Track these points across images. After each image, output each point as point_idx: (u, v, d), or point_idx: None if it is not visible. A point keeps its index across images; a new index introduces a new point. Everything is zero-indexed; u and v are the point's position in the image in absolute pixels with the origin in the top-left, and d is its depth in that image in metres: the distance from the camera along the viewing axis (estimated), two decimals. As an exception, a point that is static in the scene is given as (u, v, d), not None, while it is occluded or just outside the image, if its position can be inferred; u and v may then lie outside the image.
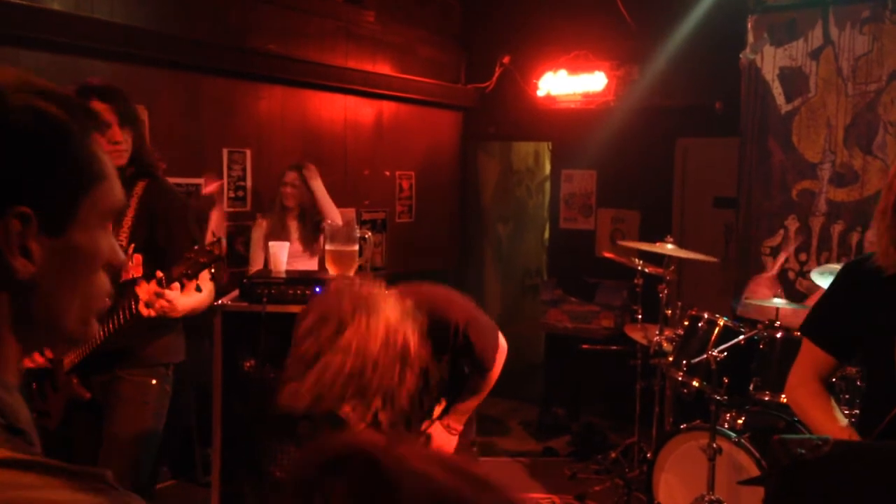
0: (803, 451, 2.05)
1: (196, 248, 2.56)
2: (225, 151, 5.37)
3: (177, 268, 2.56)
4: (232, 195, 5.42)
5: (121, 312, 2.75)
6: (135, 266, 2.89)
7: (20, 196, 0.81)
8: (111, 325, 2.78)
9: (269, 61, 5.51)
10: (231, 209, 5.39)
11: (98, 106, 2.77)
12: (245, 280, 4.16)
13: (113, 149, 2.80)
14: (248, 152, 5.48)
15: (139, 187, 2.90)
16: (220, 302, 4.27)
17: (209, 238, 2.68)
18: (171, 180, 4.90)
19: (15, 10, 4.08)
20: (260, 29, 5.47)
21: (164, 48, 4.86)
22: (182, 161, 5.08)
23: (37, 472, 0.73)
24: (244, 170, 5.48)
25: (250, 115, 5.55)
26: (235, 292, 4.58)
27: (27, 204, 0.81)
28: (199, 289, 2.66)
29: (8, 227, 0.80)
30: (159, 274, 2.59)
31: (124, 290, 2.82)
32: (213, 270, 2.63)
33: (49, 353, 2.92)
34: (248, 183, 5.49)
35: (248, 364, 4.18)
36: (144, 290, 2.57)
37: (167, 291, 2.57)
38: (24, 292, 0.83)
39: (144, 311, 2.60)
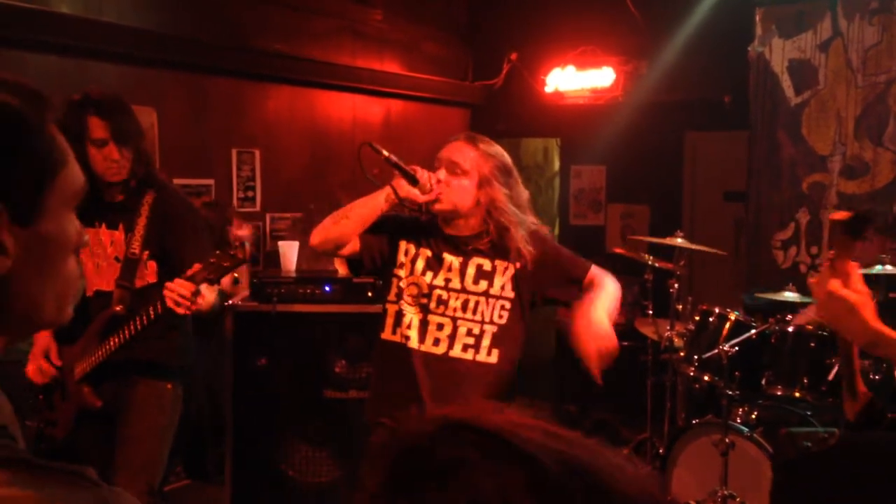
0: (810, 444, 2.04)
1: (219, 252, 2.56)
2: (234, 152, 5.38)
3: (200, 272, 2.56)
4: (241, 195, 5.43)
5: (137, 319, 2.76)
6: (150, 273, 2.90)
7: None
8: (128, 332, 2.78)
9: (276, 61, 5.51)
10: (241, 209, 5.40)
11: (96, 122, 2.75)
12: (255, 280, 4.17)
13: (110, 165, 2.78)
14: (257, 152, 5.49)
15: (149, 196, 2.89)
16: (230, 302, 4.29)
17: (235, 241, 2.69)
18: (180, 181, 4.96)
19: (22, 14, 4.10)
20: (267, 29, 5.48)
21: (172, 50, 4.87)
22: (191, 162, 5.10)
23: (12, 468, 0.73)
24: (253, 170, 5.49)
25: (258, 116, 5.56)
26: (246, 292, 4.60)
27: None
28: (222, 295, 2.69)
29: None
30: (190, 272, 2.59)
31: (141, 297, 2.82)
32: (235, 275, 2.65)
33: (58, 362, 2.93)
34: (258, 183, 5.50)
35: (259, 363, 4.20)
36: (177, 289, 2.56)
37: (203, 289, 2.58)
38: (1, 285, 0.83)
39: (175, 308, 2.60)
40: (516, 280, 2.64)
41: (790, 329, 3.77)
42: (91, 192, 2.82)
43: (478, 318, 2.62)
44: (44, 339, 2.96)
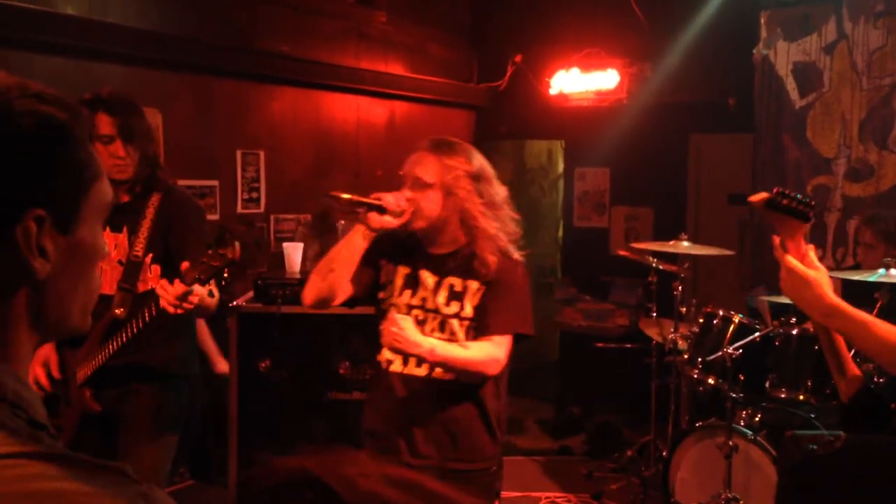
0: (815, 447, 2.05)
1: (210, 252, 2.54)
2: (238, 153, 5.39)
3: (190, 272, 2.54)
4: (245, 196, 5.43)
5: (135, 322, 2.75)
6: (152, 277, 2.88)
7: (34, 199, 0.85)
8: (125, 336, 2.78)
9: (281, 63, 5.52)
10: (245, 210, 5.41)
11: (104, 119, 2.75)
12: (259, 281, 4.18)
13: (115, 162, 2.77)
14: (262, 154, 5.50)
15: (154, 199, 2.88)
16: (235, 303, 4.30)
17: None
18: (185, 182, 4.96)
19: (28, 15, 4.11)
20: (272, 31, 5.49)
21: (177, 51, 4.88)
22: (195, 163, 5.11)
23: (60, 464, 0.76)
24: (258, 171, 5.50)
25: (263, 117, 5.57)
26: (250, 293, 4.61)
27: (40, 206, 0.85)
28: (211, 294, 2.65)
29: (27, 229, 0.84)
30: (182, 269, 2.58)
31: (142, 301, 2.81)
32: (226, 275, 2.62)
33: (57, 374, 2.91)
34: (262, 184, 5.51)
35: (263, 364, 4.21)
36: (170, 290, 2.55)
37: (196, 289, 2.56)
38: (40, 290, 0.87)
39: (170, 309, 2.59)
40: (482, 299, 2.52)
41: (794, 332, 3.76)
42: None
43: (453, 339, 2.52)
44: (44, 347, 2.94)
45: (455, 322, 2.50)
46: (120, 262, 2.87)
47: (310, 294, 2.57)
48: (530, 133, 7.37)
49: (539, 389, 6.79)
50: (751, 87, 5.44)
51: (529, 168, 7.82)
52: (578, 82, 6.59)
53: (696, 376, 3.97)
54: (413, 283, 2.56)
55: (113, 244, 2.90)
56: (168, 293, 2.54)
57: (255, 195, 5.49)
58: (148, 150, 2.87)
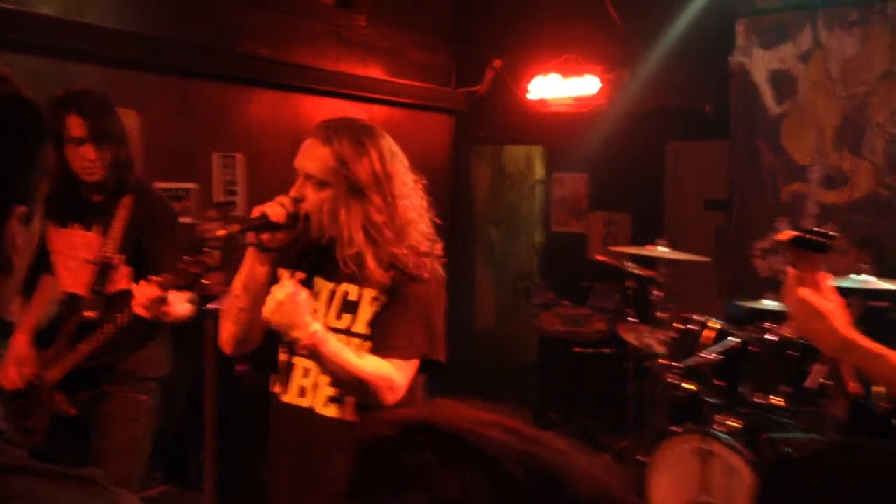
0: (790, 450, 2.06)
1: (188, 258, 2.48)
2: (216, 156, 5.36)
3: (170, 277, 2.51)
4: (223, 199, 5.40)
5: (107, 326, 2.72)
6: (122, 279, 2.84)
7: (18, 196, 0.82)
8: (98, 340, 2.75)
9: (260, 65, 5.50)
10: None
11: (75, 121, 2.70)
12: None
13: (85, 164, 2.73)
14: (240, 156, 5.47)
15: (127, 200, 2.84)
16: (210, 306, 4.26)
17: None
18: (162, 185, 4.92)
19: (3, 14, 4.07)
20: (251, 33, 5.46)
21: (155, 52, 4.84)
22: (173, 165, 5.07)
23: (25, 476, 0.73)
24: (234, 174, 5.47)
25: (241, 119, 5.54)
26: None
27: (22, 202, 0.82)
28: (193, 301, 2.64)
29: (12, 229, 0.82)
30: (157, 278, 2.55)
31: (112, 303, 2.78)
32: (205, 282, 2.58)
33: (32, 371, 2.88)
34: (241, 187, 5.48)
35: (239, 367, 4.18)
36: (143, 293, 2.52)
37: (170, 296, 2.53)
38: (3, 284, 0.85)
39: (143, 313, 2.55)
40: (379, 314, 2.07)
41: (769, 337, 3.79)
42: (69, 191, 2.80)
43: None
44: (20, 345, 2.90)
45: (344, 340, 2.05)
46: (90, 261, 2.83)
47: (227, 343, 2.19)
48: (509, 138, 7.39)
49: (516, 394, 6.80)
50: (727, 94, 5.48)
51: (508, 173, 7.84)
52: (558, 88, 6.61)
53: (673, 381, 3.99)
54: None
55: (82, 243, 2.85)
56: (140, 297, 2.51)
57: (232, 198, 5.45)
58: (120, 152, 2.80)
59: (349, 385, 2.01)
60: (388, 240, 2.04)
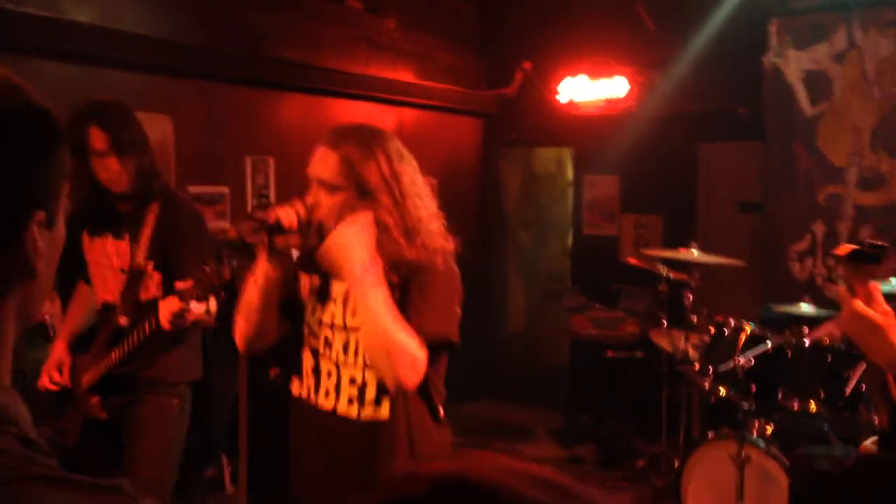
0: (827, 465, 2.02)
1: (207, 269, 2.49)
2: (248, 160, 5.39)
3: (189, 289, 2.52)
4: (255, 202, 5.44)
5: (140, 331, 2.75)
6: (154, 285, 2.87)
7: (37, 201, 0.83)
8: (128, 346, 2.77)
9: (290, 69, 5.53)
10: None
11: (97, 133, 2.70)
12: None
13: (109, 176, 2.75)
14: (271, 160, 5.50)
15: (154, 206, 2.86)
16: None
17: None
18: (195, 189, 4.97)
19: (40, 22, 4.13)
20: (282, 38, 5.50)
21: (188, 58, 4.89)
22: (206, 169, 5.11)
23: (56, 486, 0.73)
24: (267, 177, 5.50)
25: (272, 124, 5.57)
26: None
27: (40, 207, 0.83)
28: (208, 312, 2.64)
29: (32, 234, 0.82)
30: (179, 287, 2.56)
31: (144, 310, 2.80)
32: (223, 294, 2.59)
33: (67, 376, 2.92)
34: (272, 191, 5.51)
35: (273, 372, 4.20)
36: (168, 308, 2.56)
37: (193, 308, 2.54)
38: (30, 286, 0.85)
39: (167, 326, 2.59)
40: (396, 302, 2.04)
41: (806, 342, 3.74)
42: (99, 202, 2.84)
43: (360, 360, 2.08)
44: (59, 351, 2.96)
45: (360, 337, 2.05)
46: (122, 270, 2.87)
47: (240, 340, 2.22)
48: (539, 140, 7.36)
49: (548, 398, 6.77)
50: (760, 95, 5.42)
51: (538, 176, 7.81)
52: (587, 90, 6.58)
53: (707, 386, 3.94)
54: (323, 295, 2.16)
55: (115, 252, 2.89)
56: (165, 312, 2.54)
57: (264, 201, 5.49)
58: (143, 161, 2.80)
59: (377, 348, 1.98)
60: (396, 240, 2.04)
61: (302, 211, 2.10)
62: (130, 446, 2.88)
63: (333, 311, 2.13)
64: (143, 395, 2.88)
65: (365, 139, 2.12)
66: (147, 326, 2.70)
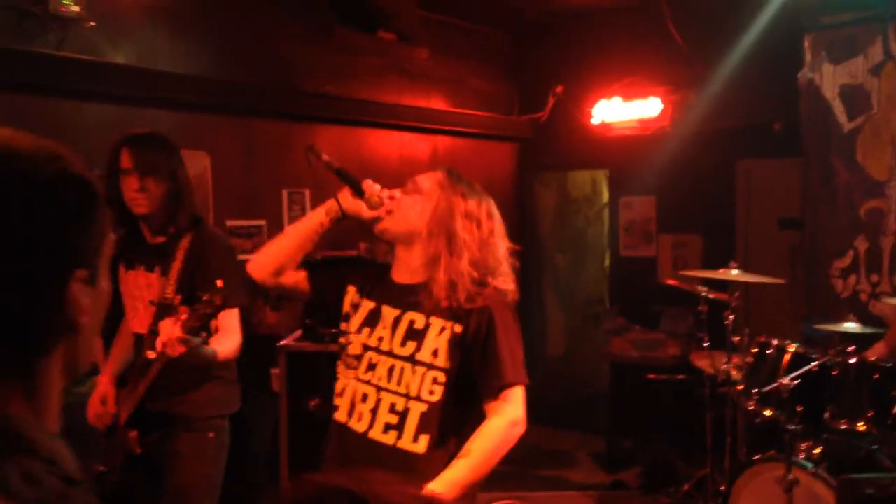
0: (872, 491, 1.97)
1: (205, 297, 2.52)
2: (284, 193, 5.46)
3: (186, 320, 2.52)
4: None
5: (156, 365, 2.77)
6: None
7: (78, 261, 0.88)
8: (153, 377, 2.79)
9: (324, 102, 5.60)
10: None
11: (125, 153, 2.79)
12: (307, 321, 4.21)
13: (132, 196, 2.79)
14: (307, 192, 5.56)
15: (185, 241, 2.89)
16: (283, 342, 4.33)
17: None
18: (233, 223, 5.03)
19: (80, 65, 4.23)
20: (315, 71, 5.57)
21: (223, 94, 4.98)
22: (243, 203, 5.19)
23: None
24: (303, 210, 5.55)
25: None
26: (298, 332, 4.63)
27: (81, 266, 0.88)
28: (206, 342, 2.64)
29: (74, 291, 0.87)
30: (181, 318, 2.56)
31: None
32: (204, 334, 2.59)
33: (112, 409, 2.96)
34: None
35: (312, 403, 4.22)
36: (166, 332, 2.53)
37: (191, 339, 2.53)
38: (75, 340, 0.90)
39: (161, 349, 2.56)
40: (454, 347, 2.07)
41: (852, 361, 3.66)
42: (133, 234, 2.89)
43: (402, 389, 2.09)
44: (104, 385, 3.00)
45: (408, 368, 2.08)
46: (152, 302, 2.90)
47: (256, 259, 2.35)
48: (574, 163, 7.35)
49: (590, 422, 6.70)
50: (797, 110, 5.36)
51: (574, 198, 7.79)
52: (621, 111, 6.57)
53: (751, 408, 3.87)
54: (373, 319, 2.20)
55: (146, 284, 2.92)
56: (163, 335, 2.55)
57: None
58: (171, 188, 2.84)
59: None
60: (463, 255, 2.09)
61: (386, 196, 2.24)
62: (170, 479, 2.90)
63: (382, 336, 2.15)
64: (178, 431, 2.89)
65: (470, 186, 2.25)
66: (158, 356, 2.72)
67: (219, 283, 2.50)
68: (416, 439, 2.06)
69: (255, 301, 4.40)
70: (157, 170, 2.81)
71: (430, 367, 2.07)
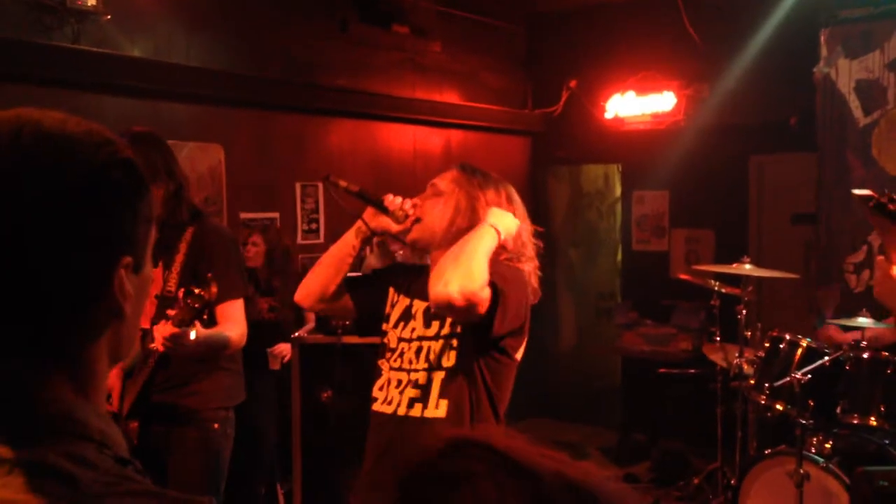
0: (886, 484, 1.98)
1: (194, 291, 2.53)
2: (298, 186, 5.48)
3: (175, 315, 2.54)
4: (305, 227, 5.52)
5: (151, 358, 2.80)
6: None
7: (124, 248, 0.88)
8: (151, 370, 2.81)
9: (338, 96, 5.62)
10: (305, 241, 5.50)
11: None
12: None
13: None
14: (321, 185, 5.58)
15: (187, 235, 2.90)
16: (296, 335, 4.35)
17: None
18: (247, 215, 5.06)
19: (97, 59, 4.27)
20: (329, 65, 5.59)
21: (237, 88, 5.01)
22: (257, 196, 5.22)
23: (152, 499, 0.80)
24: (317, 202, 5.58)
25: (321, 149, 5.66)
26: (311, 325, 4.67)
27: (128, 253, 0.88)
28: (195, 335, 2.66)
29: (121, 278, 0.87)
30: (169, 313, 2.58)
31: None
32: (205, 317, 2.61)
33: (116, 402, 2.98)
34: (321, 215, 5.59)
35: (325, 395, 4.24)
36: (161, 331, 2.57)
37: (188, 335, 2.55)
38: (120, 326, 0.91)
39: (160, 348, 2.61)
40: None
41: (865, 356, 3.66)
42: None
43: (424, 364, 2.20)
44: (111, 378, 3.02)
45: (433, 344, 2.19)
46: (156, 296, 2.91)
47: (300, 290, 2.43)
48: (586, 157, 7.35)
49: (601, 416, 6.71)
50: (812, 106, 5.35)
51: (586, 192, 7.79)
52: (634, 105, 6.56)
53: (763, 402, 3.88)
54: (407, 314, 2.30)
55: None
56: (158, 335, 2.57)
57: (314, 226, 5.57)
58: (170, 185, 2.84)
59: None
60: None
61: (409, 206, 2.28)
62: (174, 470, 2.92)
63: (414, 326, 2.26)
64: (184, 422, 2.91)
65: (487, 179, 2.34)
66: (152, 350, 2.75)
67: (209, 276, 2.52)
68: (437, 405, 2.16)
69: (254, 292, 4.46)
70: (156, 173, 2.80)
71: (448, 336, 2.19)
